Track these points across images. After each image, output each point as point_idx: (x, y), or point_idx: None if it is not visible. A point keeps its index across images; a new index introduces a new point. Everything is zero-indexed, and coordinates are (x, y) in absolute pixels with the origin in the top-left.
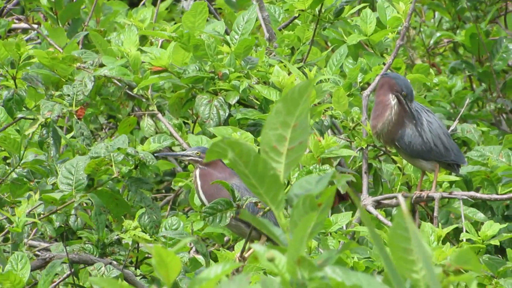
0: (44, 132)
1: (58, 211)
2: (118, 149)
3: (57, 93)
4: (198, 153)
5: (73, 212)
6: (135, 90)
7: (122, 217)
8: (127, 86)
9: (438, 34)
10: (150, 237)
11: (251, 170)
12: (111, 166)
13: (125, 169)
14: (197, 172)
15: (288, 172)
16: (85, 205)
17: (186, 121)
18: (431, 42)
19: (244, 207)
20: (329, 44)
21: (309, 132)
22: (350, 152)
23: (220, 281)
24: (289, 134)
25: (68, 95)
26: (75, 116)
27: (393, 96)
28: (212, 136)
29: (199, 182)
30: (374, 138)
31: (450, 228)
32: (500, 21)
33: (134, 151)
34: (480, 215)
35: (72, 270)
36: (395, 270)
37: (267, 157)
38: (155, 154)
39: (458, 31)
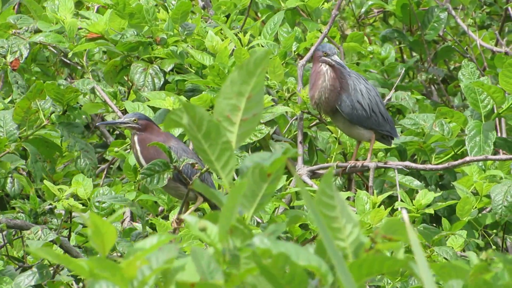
0: None
1: None
2: (47, 85)
3: None
4: (135, 120)
5: (9, 178)
6: (70, 55)
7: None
8: (62, 53)
9: (370, 2)
10: (88, 200)
11: (204, 135)
12: (40, 116)
13: (55, 116)
14: (136, 138)
15: (240, 143)
16: (21, 171)
17: (122, 87)
18: (362, 11)
19: (181, 168)
20: (259, 15)
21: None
22: (285, 109)
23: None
24: (243, 105)
25: (3, 47)
26: (9, 67)
27: (322, 63)
28: (147, 101)
29: (138, 148)
30: (314, 109)
31: (385, 195)
32: None
33: (66, 82)
34: (416, 183)
35: (6, 241)
36: (330, 238)
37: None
38: (97, 124)
39: (389, 0)
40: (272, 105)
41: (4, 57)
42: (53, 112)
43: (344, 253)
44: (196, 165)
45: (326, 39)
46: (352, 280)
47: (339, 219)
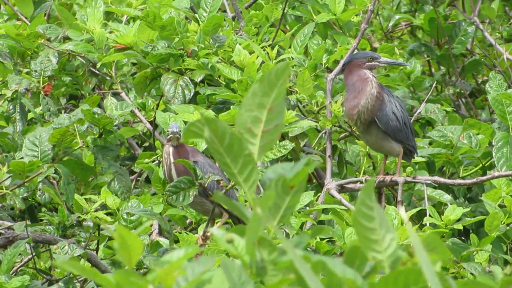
0: (11, 106)
1: (25, 184)
2: (83, 111)
3: (25, 70)
4: (180, 130)
5: (39, 186)
6: (98, 66)
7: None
8: (91, 63)
9: (397, 17)
10: (117, 210)
11: (226, 149)
12: (75, 136)
13: (90, 138)
14: (171, 149)
15: (262, 154)
16: (51, 180)
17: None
18: (390, 25)
19: (206, 185)
20: (288, 27)
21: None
22: (310, 123)
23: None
24: (265, 116)
25: (36, 71)
26: (42, 92)
27: (366, 70)
28: (176, 114)
29: (172, 159)
30: (351, 119)
31: (413, 211)
32: (458, 4)
33: (100, 110)
34: (446, 197)
35: (34, 254)
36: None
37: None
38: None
39: (416, 14)
40: (296, 120)
41: (38, 81)
42: (89, 135)
43: (381, 266)
44: (222, 181)
45: (356, 51)
46: None
47: (378, 230)
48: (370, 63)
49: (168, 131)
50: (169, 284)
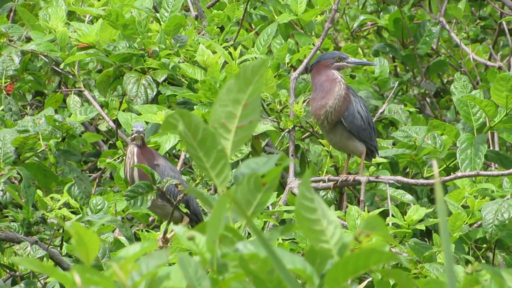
0: None
1: None
2: (45, 117)
3: None
4: (144, 129)
5: (1, 187)
6: (62, 66)
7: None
8: (54, 62)
9: (362, 17)
10: (80, 209)
11: (199, 143)
12: (39, 139)
13: (53, 142)
14: (135, 150)
15: (236, 150)
16: (13, 180)
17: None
18: (355, 25)
19: (164, 189)
20: (253, 26)
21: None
22: (270, 128)
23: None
24: (239, 112)
25: None
26: (4, 91)
27: (334, 70)
28: (139, 114)
29: (136, 160)
30: (317, 119)
31: (376, 211)
32: (425, 5)
33: (62, 117)
34: (408, 197)
35: None
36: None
37: (216, 133)
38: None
39: (381, 14)
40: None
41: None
42: (52, 139)
43: (330, 255)
44: (180, 186)
45: (319, 52)
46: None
47: (321, 221)
48: (338, 64)
49: (132, 130)
50: (123, 277)
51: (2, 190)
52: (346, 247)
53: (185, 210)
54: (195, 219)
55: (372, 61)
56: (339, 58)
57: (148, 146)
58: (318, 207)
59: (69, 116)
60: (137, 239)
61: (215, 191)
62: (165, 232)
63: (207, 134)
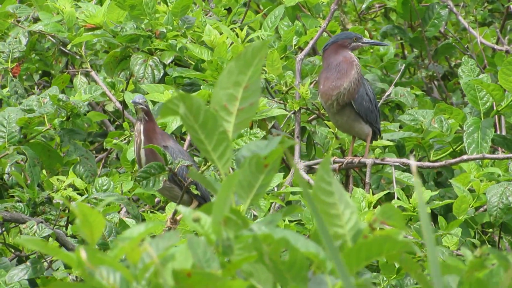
0: None
1: None
2: (50, 96)
3: None
4: (145, 101)
5: (7, 169)
6: (69, 47)
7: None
8: (61, 43)
9: None
10: (85, 190)
11: (201, 125)
12: (44, 119)
13: (58, 121)
14: (141, 127)
15: (237, 132)
16: (20, 161)
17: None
18: (363, 7)
19: (176, 170)
20: (262, 7)
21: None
22: (281, 112)
23: (143, 239)
24: (240, 94)
25: (3, 52)
26: (10, 73)
27: (350, 51)
28: (146, 94)
29: (142, 138)
30: (328, 99)
31: (381, 194)
32: None
33: (66, 97)
34: (414, 180)
35: (3, 228)
36: (326, 228)
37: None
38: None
39: None
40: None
41: (6, 61)
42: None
43: (343, 240)
44: (192, 167)
45: (325, 34)
46: (345, 268)
47: (337, 205)
48: (355, 44)
49: (131, 103)
50: (135, 258)
51: (7, 174)
52: (361, 233)
53: (196, 192)
54: (203, 203)
55: None
56: (355, 38)
57: (156, 124)
58: (335, 191)
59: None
60: (143, 220)
61: None
62: (174, 213)
63: (209, 116)
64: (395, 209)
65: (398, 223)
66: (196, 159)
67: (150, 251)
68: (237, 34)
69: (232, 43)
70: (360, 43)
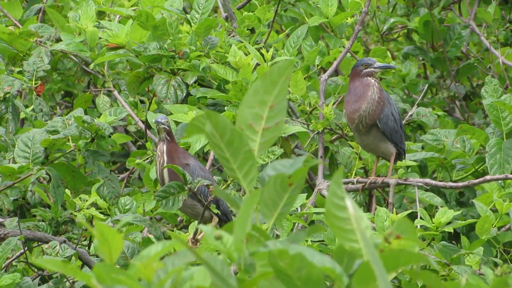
0: (3, 107)
1: (15, 185)
2: (75, 117)
3: (17, 69)
4: (167, 121)
5: (30, 187)
6: (91, 66)
7: (79, 189)
8: (83, 62)
9: (392, 20)
10: (108, 209)
11: (227, 144)
12: (68, 140)
13: (82, 142)
14: (164, 147)
15: (263, 151)
16: (42, 180)
17: (142, 98)
18: (385, 27)
19: (196, 189)
20: (284, 28)
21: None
22: (301, 129)
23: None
24: (266, 114)
25: (28, 72)
26: (34, 92)
27: (366, 76)
28: (169, 114)
29: (166, 158)
30: (352, 122)
31: (404, 213)
32: (455, 8)
33: (90, 119)
34: (437, 200)
35: (26, 248)
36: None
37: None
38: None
39: (411, 17)
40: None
41: (30, 80)
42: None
43: (359, 254)
44: (211, 186)
45: (349, 54)
46: (384, 270)
47: (351, 220)
48: (366, 70)
49: (154, 122)
50: (149, 276)
51: (31, 191)
52: (376, 247)
53: (215, 211)
54: (224, 219)
55: (399, 64)
56: (366, 65)
57: (177, 143)
58: (348, 205)
59: (98, 117)
60: (166, 239)
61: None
62: (195, 232)
63: (235, 134)
64: (410, 223)
65: (413, 236)
66: (215, 178)
67: (166, 268)
68: (262, 55)
69: (257, 64)
70: (371, 69)
